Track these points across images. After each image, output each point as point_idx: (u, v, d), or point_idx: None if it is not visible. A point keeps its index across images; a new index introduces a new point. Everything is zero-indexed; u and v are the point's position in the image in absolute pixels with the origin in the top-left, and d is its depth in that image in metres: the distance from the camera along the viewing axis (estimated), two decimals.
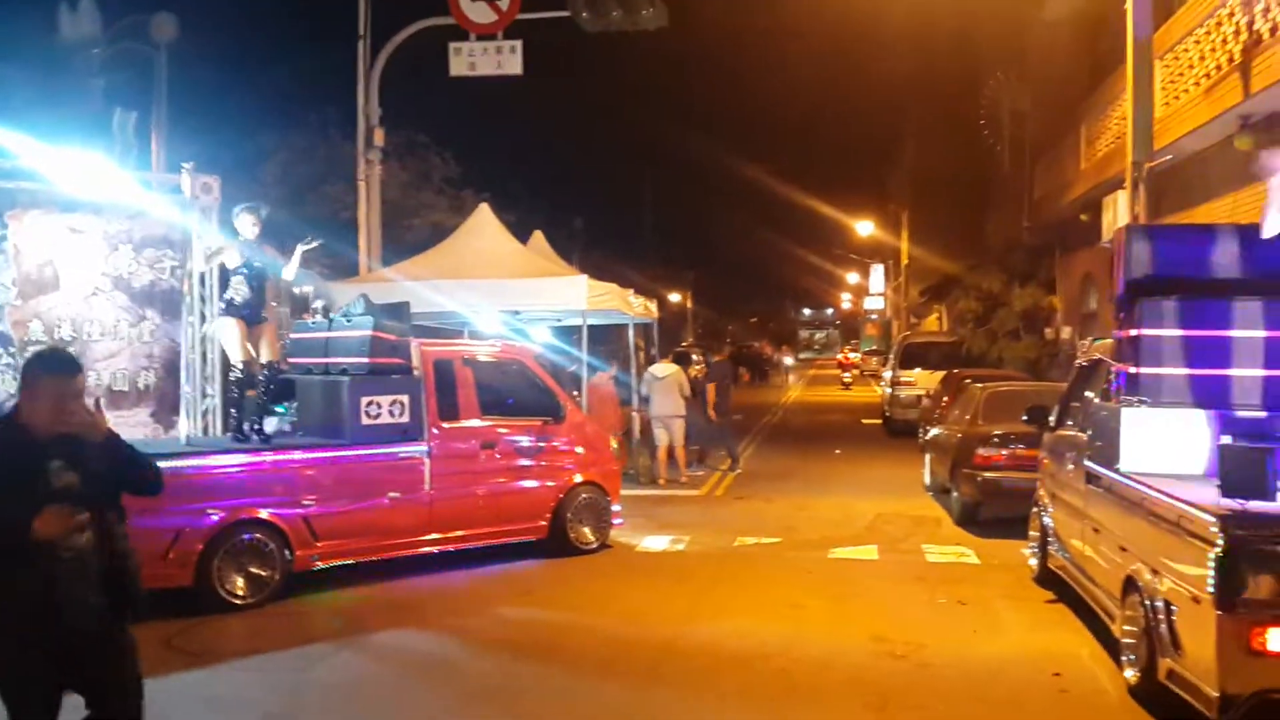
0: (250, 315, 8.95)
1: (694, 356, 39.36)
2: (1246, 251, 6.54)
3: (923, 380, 22.57)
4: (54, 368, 3.98)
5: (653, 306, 18.22)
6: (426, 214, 23.90)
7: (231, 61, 20.87)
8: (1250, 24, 10.51)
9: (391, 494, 9.09)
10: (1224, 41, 11.36)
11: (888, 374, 25.91)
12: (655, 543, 10.89)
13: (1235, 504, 5.11)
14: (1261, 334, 6.44)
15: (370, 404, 8.94)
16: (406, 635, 7.59)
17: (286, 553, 8.34)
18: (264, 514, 8.31)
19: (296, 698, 6.23)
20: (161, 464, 7.91)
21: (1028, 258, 24.45)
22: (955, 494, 12.39)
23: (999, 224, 30.61)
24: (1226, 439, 6.20)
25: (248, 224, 8.91)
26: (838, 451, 20.60)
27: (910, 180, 43.95)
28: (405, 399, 9.13)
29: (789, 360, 57.65)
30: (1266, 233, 5.89)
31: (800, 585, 9.10)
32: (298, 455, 8.78)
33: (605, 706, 6.11)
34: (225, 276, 9.13)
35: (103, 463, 3.92)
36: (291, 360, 10.16)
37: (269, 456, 8.62)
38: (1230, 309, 6.55)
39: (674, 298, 57.83)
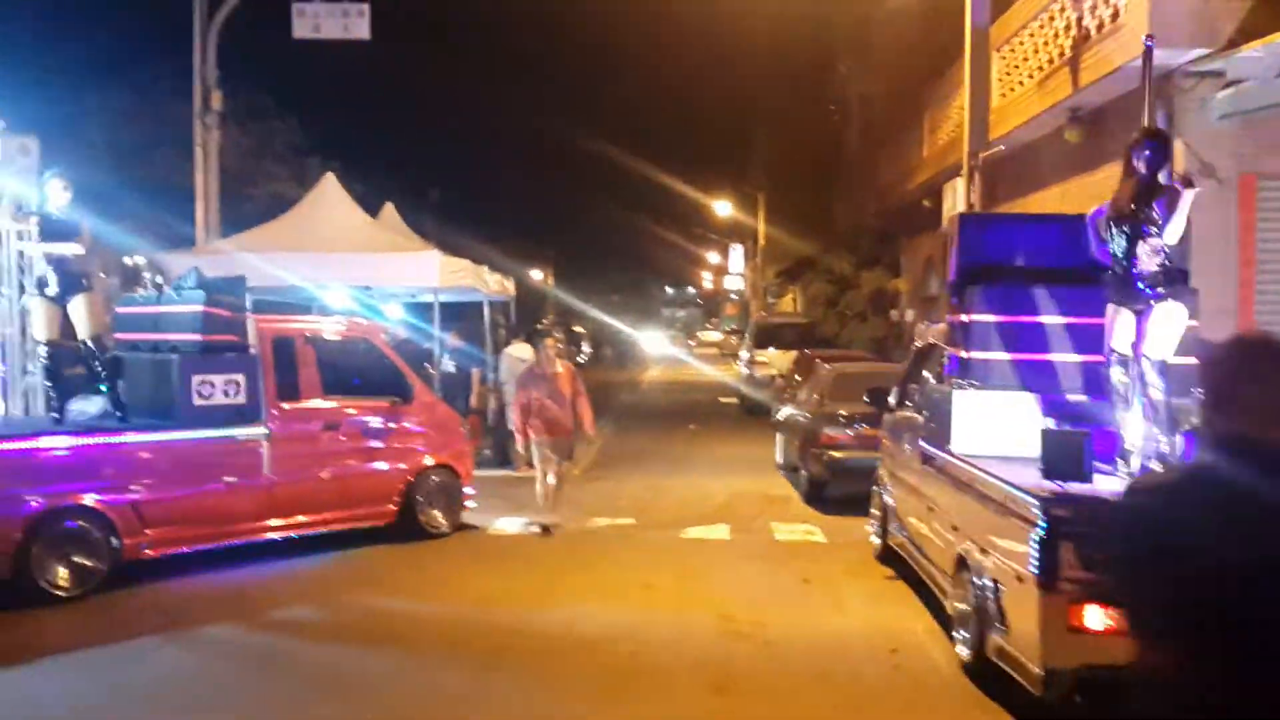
0: (57, 291, 8.31)
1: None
2: (1071, 241, 6.84)
3: (776, 360, 23.02)
4: None
5: (509, 284, 17.98)
6: (267, 183, 22.96)
7: (54, 12, 19.39)
8: (1080, 20, 10.99)
9: (227, 479, 8.70)
10: (1056, 36, 11.86)
11: (744, 354, 26.34)
12: (508, 524, 10.77)
13: (1055, 486, 5.33)
14: (1082, 320, 6.75)
15: (203, 383, 8.52)
16: (240, 627, 7.27)
17: (113, 541, 7.89)
18: (88, 500, 7.83)
19: (116, 695, 5.90)
20: None
21: (875, 242, 25.20)
22: (804, 472, 12.69)
23: (848, 208, 31.45)
24: (1047, 423, 6.47)
25: (57, 189, 8.31)
26: (692, 428, 20.86)
27: (766, 163, 44.67)
28: (241, 378, 8.74)
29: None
30: (1170, 239, 6.09)
31: (652, 566, 9.14)
32: (125, 438, 8.30)
33: (442, 695, 5.99)
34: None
35: None
36: (118, 336, 9.58)
37: (93, 439, 8.12)
38: (1054, 296, 6.86)
39: (535, 275, 57.44)
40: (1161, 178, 6.07)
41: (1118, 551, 2.27)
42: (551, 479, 10.53)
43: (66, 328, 8.42)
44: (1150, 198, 6.00)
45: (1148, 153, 6.07)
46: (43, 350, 8.43)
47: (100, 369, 8.51)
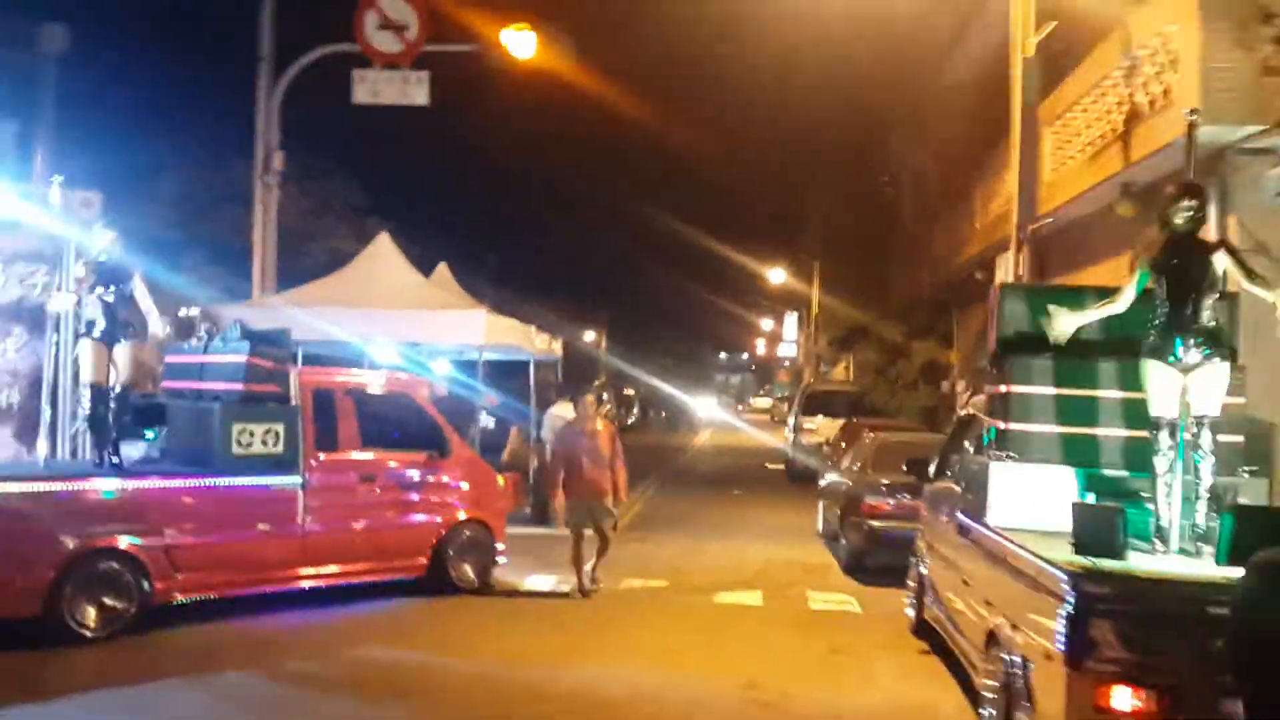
0: (106, 336, 8.55)
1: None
2: (1112, 314, 6.72)
3: (824, 428, 22.86)
4: None
5: (557, 345, 18.10)
6: (326, 240, 23.47)
7: (125, 73, 20.13)
8: (1131, 96, 10.94)
9: (262, 526, 8.78)
10: (1108, 111, 11.80)
11: (791, 420, 26.20)
12: (540, 583, 10.70)
13: (1086, 561, 5.18)
14: (1122, 395, 6.60)
15: (242, 432, 8.64)
16: (261, 675, 7.26)
17: (145, 585, 7.96)
18: (122, 543, 7.93)
19: None
20: (14, 487, 7.75)
21: (928, 312, 25.04)
22: (844, 541, 12.48)
23: (903, 278, 31.31)
24: (1085, 496, 6.31)
25: (103, 236, 8.60)
26: (736, 493, 20.67)
27: (822, 232, 44.76)
28: (280, 428, 8.85)
29: None
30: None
31: (681, 630, 9.03)
32: (162, 483, 8.43)
33: None
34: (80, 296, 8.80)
35: None
36: (165, 384, 9.80)
37: (130, 483, 8.26)
38: (1095, 369, 6.72)
39: (589, 337, 57.83)
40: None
41: (1239, 630, 2.08)
42: (589, 569, 10.12)
43: (111, 371, 8.62)
44: (1191, 253, 5.91)
45: (1186, 208, 6.00)
46: (86, 394, 8.61)
47: (119, 418, 8.65)
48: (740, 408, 45.32)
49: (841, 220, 39.27)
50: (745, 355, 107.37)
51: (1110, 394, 6.75)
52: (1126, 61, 11.05)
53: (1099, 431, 6.78)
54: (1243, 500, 6.19)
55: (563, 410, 15.19)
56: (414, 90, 15.08)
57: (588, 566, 10.20)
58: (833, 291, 42.06)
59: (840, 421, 21.18)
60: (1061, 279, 14.24)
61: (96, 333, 8.52)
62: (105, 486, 8.14)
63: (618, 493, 10.22)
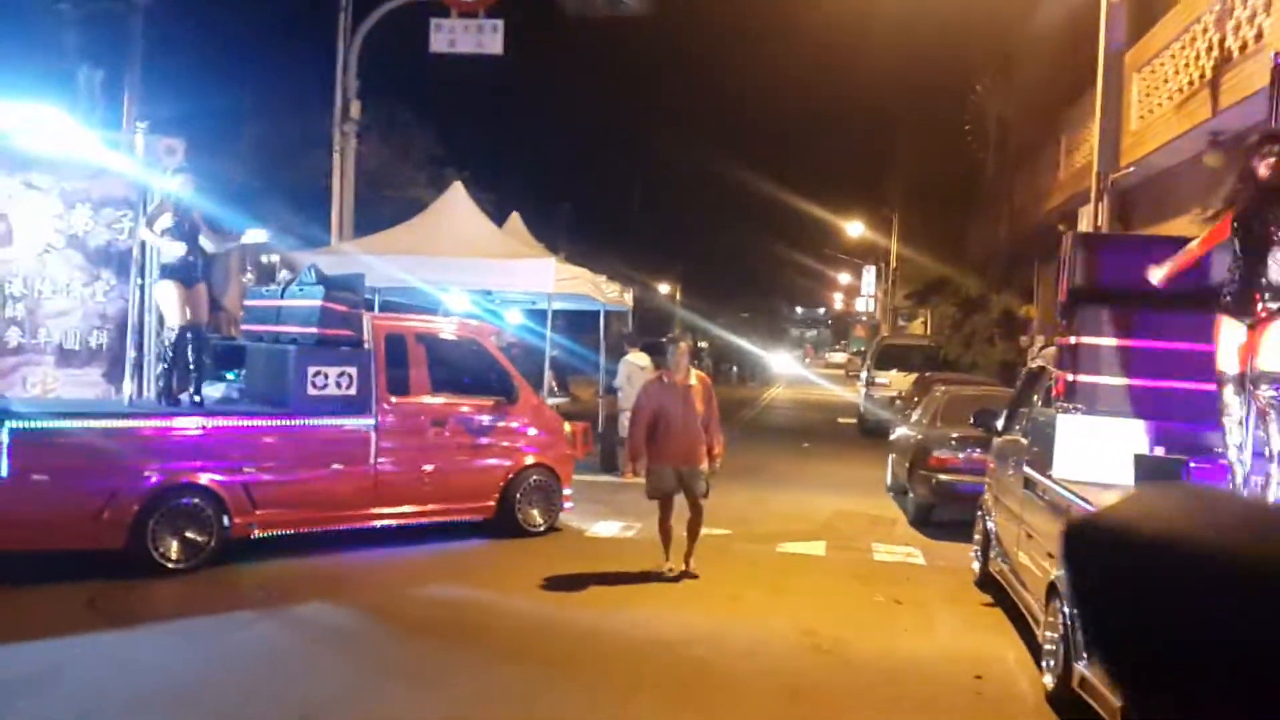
0: (186, 276, 8.85)
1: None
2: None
3: (897, 382, 22.64)
4: None
5: (627, 295, 18.14)
6: (404, 189, 23.79)
7: (210, 22, 20.50)
8: (1222, 40, 10.50)
9: (335, 466, 9.05)
10: (1197, 58, 11.35)
11: (864, 374, 25.99)
12: (605, 528, 10.86)
13: None
14: (1194, 346, 6.42)
15: (317, 374, 8.89)
16: (332, 608, 7.56)
17: (224, 519, 8.28)
18: (203, 479, 8.26)
19: (209, 664, 6.19)
20: (101, 424, 8.10)
21: (1007, 265, 24.51)
22: (911, 494, 12.41)
23: (982, 230, 30.64)
24: (1148, 449, 6.19)
25: (180, 185, 8.87)
26: (805, 445, 20.63)
27: (901, 183, 43.97)
28: (353, 371, 9.08)
29: None
30: None
31: (742, 577, 9.09)
32: (240, 422, 8.74)
33: (508, 689, 6.05)
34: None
35: None
36: (244, 327, 10.10)
37: (211, 422, 8.57)
38: (1165, 321, 6.56)
39: (663, 289, 57.71)
40: None
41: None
42: (685, 556, 8.83)
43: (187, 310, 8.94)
44: (1274, 203, 5.69)
45: (1270, 156, 5.75)
46: (171, 333, 8.94)
47: (199, 357, 8.98)
48: (809, 362, 45.27)
49: (922, 171, 38.52)
50: (822, 310, 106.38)
51: (1181, 345, 6.60)
52: (1218, 4, 10.61)
53: (1168, 383, 6.64)
54: None
55: (636, 358, 15.28)
56: (489, 39, 15.17)
57: (682, 554, 8.92)
58: (912, 244, 41.39)
59: (913, 376, 20.96)
60: (1146, 230, 13.82)
61: (177, 273, 8.81)
62: (188, 425, 8.46)
63: (713, 455, 8.86)
